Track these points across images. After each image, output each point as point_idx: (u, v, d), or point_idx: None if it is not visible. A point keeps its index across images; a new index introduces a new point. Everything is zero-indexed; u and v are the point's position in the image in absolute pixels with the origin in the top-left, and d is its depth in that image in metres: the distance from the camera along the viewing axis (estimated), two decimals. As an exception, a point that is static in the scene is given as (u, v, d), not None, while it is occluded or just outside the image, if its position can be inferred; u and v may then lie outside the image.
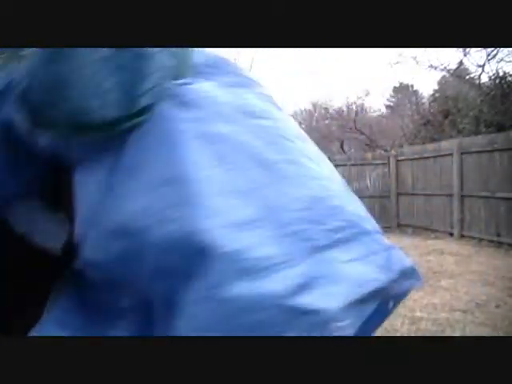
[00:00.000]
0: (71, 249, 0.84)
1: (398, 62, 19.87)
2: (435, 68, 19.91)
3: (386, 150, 17.55)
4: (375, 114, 30.12)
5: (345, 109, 26.67)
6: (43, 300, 0.91)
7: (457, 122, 13.47)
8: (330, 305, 0.80)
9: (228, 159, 0.85)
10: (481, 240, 9.15)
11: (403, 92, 29.65)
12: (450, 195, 10.24)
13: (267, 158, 0.89)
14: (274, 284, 0.77)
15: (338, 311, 0.80)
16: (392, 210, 12.51)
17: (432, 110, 16.16)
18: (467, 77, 19.95)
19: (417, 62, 19.59)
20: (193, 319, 0.77)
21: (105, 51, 0.92)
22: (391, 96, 32.95)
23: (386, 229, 12.24)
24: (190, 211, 0.78)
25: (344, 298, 0.82)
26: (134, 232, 0.78)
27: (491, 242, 8.83)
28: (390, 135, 23.21)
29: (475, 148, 9.50)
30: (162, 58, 0.95)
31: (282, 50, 36.82)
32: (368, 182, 12.81)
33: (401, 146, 17.27)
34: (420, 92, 28.12)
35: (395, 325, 4.55)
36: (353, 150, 26.42)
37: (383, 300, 0.95)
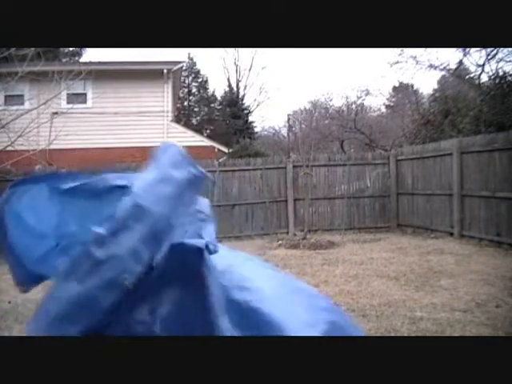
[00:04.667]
0: None
1: (397, 62, 19.89)
2: (435, 68, 19.92)
3: (385, 150, 17.54)
4: (375, 114, 30.11)
5: (345, 109, 26.67)
6: None
7: (457, 122, 13.46)
8: None
9: None
10: (481, 240, 9.15)
11: (403, 92, 29.64)
12: (450, 195, 10.23)
13: None
14: None
15: None
16: (392, 210, 12.51)
17: (432, 110, 16.15)
18: (467, 77, 19.95)
19: (417, 62, 19.60)
20: None
21: None
22: (391, 96, 32.94)
23: (386, 229, 12.24)
24: None
25: None
26: None
27: (491, 241, 8.82)
28: (390, 135, 23.20)
29: (475, 148, 9.49)
30: None
31: (281, 50, 36.80)
32: (368, 181, 12.80)
33: (401, 145, 17.26)
34: (420, 92, 28.14)
35: (395, 325, 4.54)
36: (353, 150, 26.41)
37: None
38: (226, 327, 0.99)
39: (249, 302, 1.24)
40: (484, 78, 17.00)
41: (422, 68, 19.86)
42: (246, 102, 39.20)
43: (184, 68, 30.12)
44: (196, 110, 40.98)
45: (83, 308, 1.10)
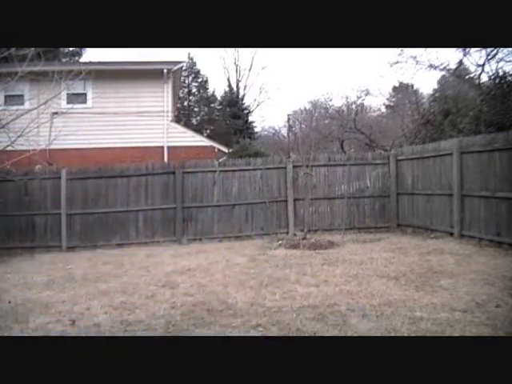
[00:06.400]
0: None
1: (397, 62, 19.91)
2: (435, 68, 19.93)
3: (385, 150, 17.54)
4: (375, 114, 30.14)
5: (345, 109, 26.69)
6: None
7: (457, 122, 13.45)
8: None
9: None
10: (481, 240, 9.15)
11: (403, 92, 29.65)
12: (450, 195, 10.24)
13: None
14: None
15: None
16: (392, 210, 12.51)
17: (432, 110, 16.14)
18: (467, 77, 19.96)
19: (417, 62, 19.61)
20: None
21: None
22: (391, 96, 32.96)
23: (386, 229, 12.24)
24: None
25: None
26: None
27: (491, 241, 8.82)
28: (390, 135, 23.21)
29: (475, 148, 9.49)
30: None
31: (281, 50, 36.84)
32: (368, 181, 12.81)
33: (401, 145, 17.26)
34: (420, 92, 28.16)
35: (395, 325, 4.54)
36: (353, 150, 26.42)
37: None
38: None
39: None
40: (484, 78, 17.01)
41: (422, 68, 19.95)
42: (246, 102, 39.26)
43: (184, 68, 30.14)
44: (196, 109, 40.99)
45: None
